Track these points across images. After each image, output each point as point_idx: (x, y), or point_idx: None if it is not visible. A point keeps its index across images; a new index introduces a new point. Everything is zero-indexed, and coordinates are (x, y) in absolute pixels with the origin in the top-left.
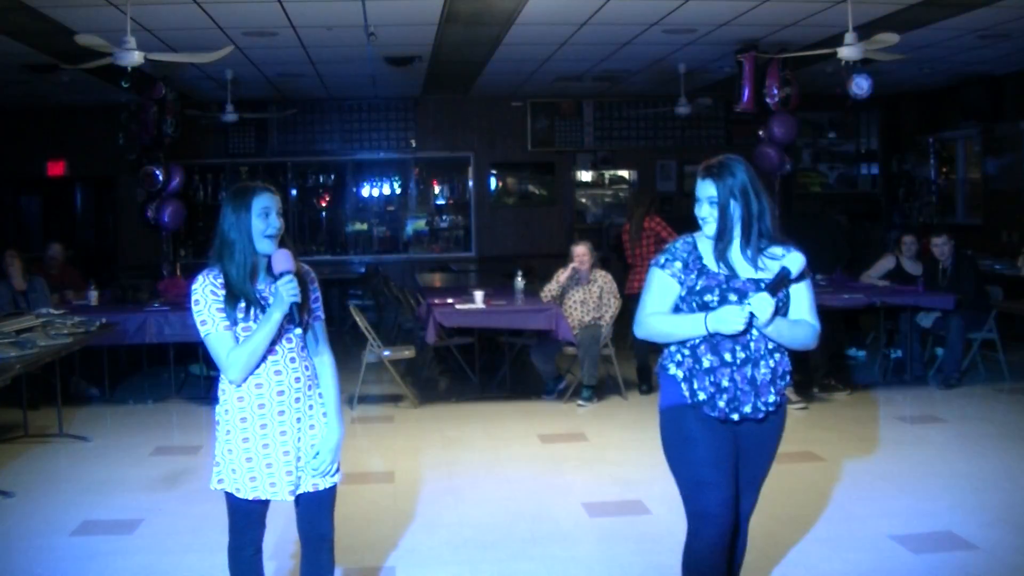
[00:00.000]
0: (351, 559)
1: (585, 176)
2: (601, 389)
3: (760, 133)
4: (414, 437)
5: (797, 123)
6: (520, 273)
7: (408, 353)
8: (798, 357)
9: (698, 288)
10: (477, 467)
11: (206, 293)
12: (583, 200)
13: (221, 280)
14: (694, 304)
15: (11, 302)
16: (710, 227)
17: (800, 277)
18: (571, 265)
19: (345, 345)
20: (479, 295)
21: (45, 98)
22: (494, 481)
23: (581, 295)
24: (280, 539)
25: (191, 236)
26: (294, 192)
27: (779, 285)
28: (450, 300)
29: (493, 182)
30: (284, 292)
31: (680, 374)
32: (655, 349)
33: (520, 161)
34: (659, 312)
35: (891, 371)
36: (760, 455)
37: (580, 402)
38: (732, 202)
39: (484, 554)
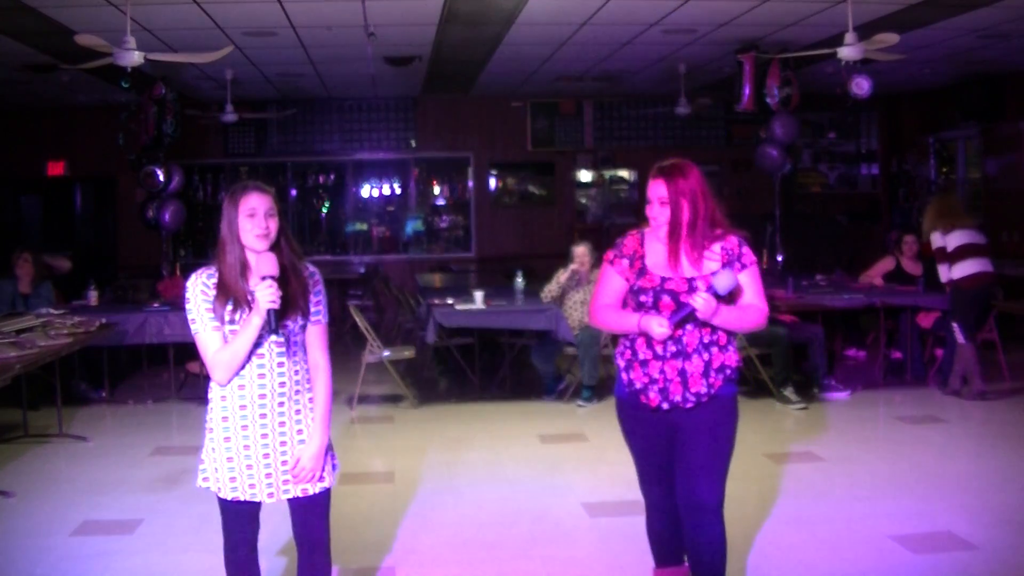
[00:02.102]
0: (351, 559)
1: (585, 176)
2: (601, 389)
3: (761, 133)
4: (414, 437)
5: (798, 123)
6: (520, 273)
7: (408, 353)
8: (798, 357)
9: (636, 288)
10: (477, 467)
11: (196, 292)
12: (583, 200)
13: (215, 280)
14: (634, 301)
15: (10, 303)
16: (651, 224)
17: (735, 279)
18: (571, 266)
19: (345, 345)
20: (479, 295)
21: (45, 98)
22: (494, 481)
23: (581, 296)
24: (269, 537)
25: (191, 236)
26: (294, 192)
27: (684, 321)
28: (450, 300)
29: (493, 182)
30: (260, 298)
31: (622, 364)
32: None
33: (520, 161)
34: (607, 305)
35: (891, 371)
36: (698, 441)
37: (580, 402)
38: (683, 202)
39: (484, 554)
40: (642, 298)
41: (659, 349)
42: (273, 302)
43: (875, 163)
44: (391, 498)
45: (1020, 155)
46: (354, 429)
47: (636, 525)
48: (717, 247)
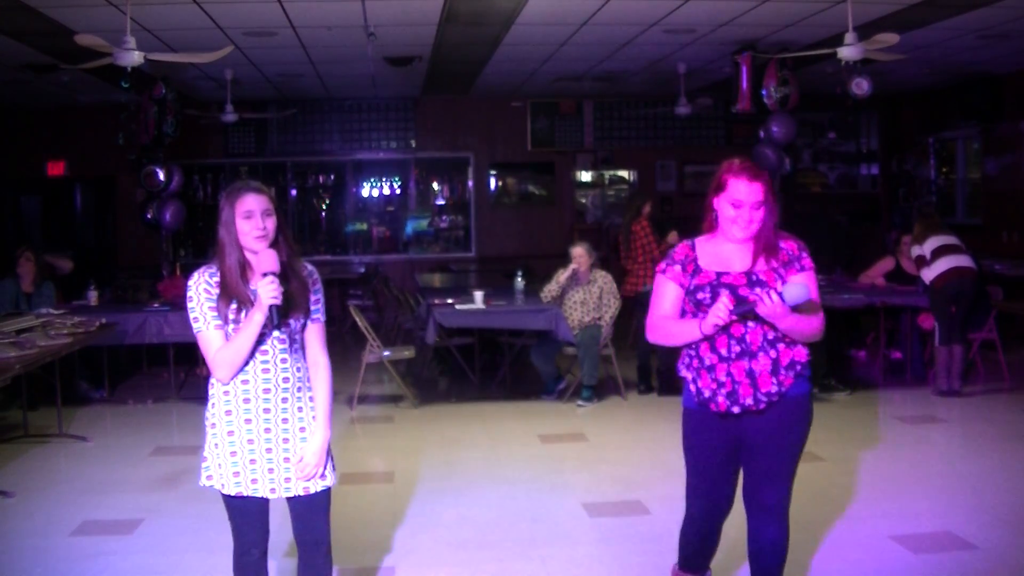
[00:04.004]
0: (351, 559)
1: (585, 176)
2: (601, 389)
3: (761, 133)
4: (414, 437)
5: (796, 123)
6: (520, 273)
7: (408, 353)
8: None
9: (691, 287)
10: (477, 467)
11: (200, 291)
12: (583, 200)
13: (217, 279)
14: (692, 303)
15: (13, 301)
16: (743, 230)
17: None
18: (571, 266)
19: (345, 345)
20: (479, 295)
21: (45, 98)
22: (494, 481)
23: (581, 295)
24: (272, 538)
25: (191, 236)
26: (294, 192)
27: (745, 315)
28: (450, 300)
29: (493, 182)
30: (263, 294)
31: (689, 376)
32: (655, 350)
33: (520, 161)
34: (665, 317)
35: (891, 371)
36: (771, 446)
37: (580, 402)
38: (772, 201)
39: (484, 554)
40: (699, 295)
41: (723, 351)
42: (275, 298)
43: (875, 163)
44: (391, 498)
45: (1020, 155)
46: (354, 429)
47: (636, 525)
48: (778, 246)
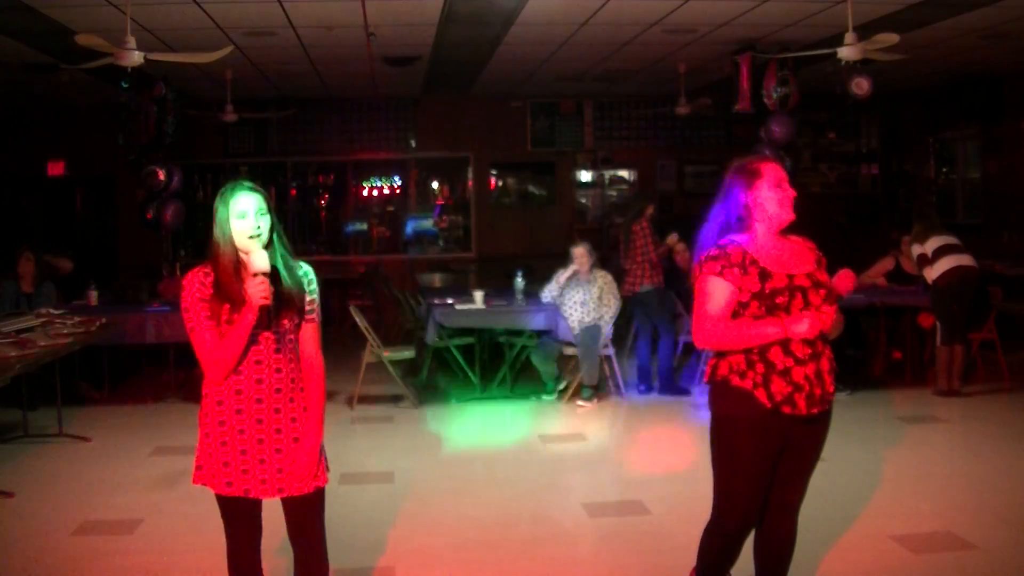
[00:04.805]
0: (351, 559)
1: (585, 176)
2: (601, 389)
3: (761, 133)
4: (414, 437)
5: (796, 123)
6: (520, 273)
7: (408, 353)
8: None
9: (768, 291)
10: (477, 467)
11: (193, 291)
12: (583, 200)
13: (211, 278)
14: (766, 306)
15: (13, 301)
16: (791, 209)
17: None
18: (572, 267)
19: (345, 345)
20: (479, 295)
21: (45, 98)
22: (494, 481)
23: (581, 295)
24: (269, 537)
25: (191, 236)
26: (294, 192)
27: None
28: (450, 300)
29: (493, 182)
30: (253, 295)
31: (751, 383)
32: (655, 350)
33: (520, 161)
34: (724, 319)
35: (891, 371)
36: (811, 446)
37: (580, 402)
38: None
39: (484, 554)
40: (779, 299)
41: (799, 353)
42: (265, 298)
43: (875, 163)
44: (391, 498)
45: (1020, 155)
46: (354, 429)
47: (636, 526)
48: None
